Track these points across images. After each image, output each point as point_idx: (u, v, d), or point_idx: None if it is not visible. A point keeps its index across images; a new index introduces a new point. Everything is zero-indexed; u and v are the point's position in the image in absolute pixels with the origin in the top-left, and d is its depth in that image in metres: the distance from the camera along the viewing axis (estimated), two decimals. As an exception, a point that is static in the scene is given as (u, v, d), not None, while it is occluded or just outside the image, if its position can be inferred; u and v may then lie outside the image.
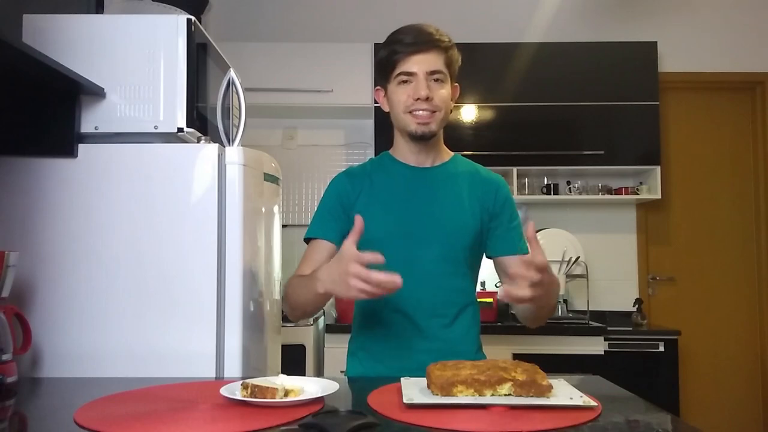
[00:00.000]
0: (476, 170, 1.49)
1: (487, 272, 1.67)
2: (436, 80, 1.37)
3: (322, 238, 1.43)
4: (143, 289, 1.42)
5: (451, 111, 1.45)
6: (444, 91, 1.38)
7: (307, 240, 1.46)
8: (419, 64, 1.35)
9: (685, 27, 3.64)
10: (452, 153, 1.51)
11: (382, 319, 1.40)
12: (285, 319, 1.77)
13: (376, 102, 3.12)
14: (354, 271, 1.08)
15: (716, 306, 3.59)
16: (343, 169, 1.51)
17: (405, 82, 1.37)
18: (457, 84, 1.45)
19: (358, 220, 1.14)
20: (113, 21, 1.50)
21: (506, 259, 1.45)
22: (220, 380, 1.31)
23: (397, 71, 1.37)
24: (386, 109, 1.45)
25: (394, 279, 1.07)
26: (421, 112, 1.36)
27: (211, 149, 1.47)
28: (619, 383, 1.22)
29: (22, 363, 1.36)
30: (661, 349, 3.00)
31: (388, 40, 1.40)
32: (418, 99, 1.35)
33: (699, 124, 3.66)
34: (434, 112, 1.37)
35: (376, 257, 1.09)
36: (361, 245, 1.42)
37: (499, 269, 1.48)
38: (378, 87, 1.47)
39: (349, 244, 1.12)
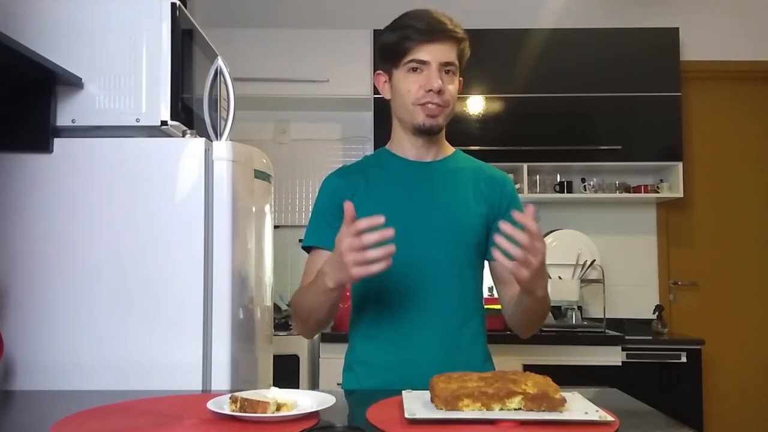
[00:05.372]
0: (479, 166, 1.50)
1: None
2: (448, 72, 1.39)
3: (323, 248, 1.43)
4: (124, 294, 1.43)
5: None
6: (454, 86, 1.41)
7: (307, 248, 1.46)
8: (433, 53, 1.36)
9: (709, 11, 3.64)
10: (453, 148, 1.52)
11: (379, 325, 1.40)
12: (277, 327, 1.77)
13: (375, 93, 3.12)
14: (345, 246, 1.13)
15: (743, 313, 3.58)
16: (336, 168, 1.51)
17: (415, 70, 1.38)
18: (461, 78, 1.46)
19: (348, 208, 1.16)
20: (91, 5, 1.50)
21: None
22: (207, 393, 1.31)
23: (409, 58, 1.38)
24: (387, 96, 1.45)
25: (385, 234, 1.11)
26: (431, 105, 1.37)
27: (197, 144, 1.47)
28: (637, 396, 1.22)
29: (-7, 375, 1.36)
30: (683, 359, 3.00)
31: (397, 24, 1.40)
32: (429, 91, 1.36)
33: (725, 117, 3.66)
34: (444, 106, 1.39)
35: (372, 221, 1.13)
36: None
37: (497, 276, 1.48)
38: (379, 72, 1.46)
39: (342, 230, 1.16)
